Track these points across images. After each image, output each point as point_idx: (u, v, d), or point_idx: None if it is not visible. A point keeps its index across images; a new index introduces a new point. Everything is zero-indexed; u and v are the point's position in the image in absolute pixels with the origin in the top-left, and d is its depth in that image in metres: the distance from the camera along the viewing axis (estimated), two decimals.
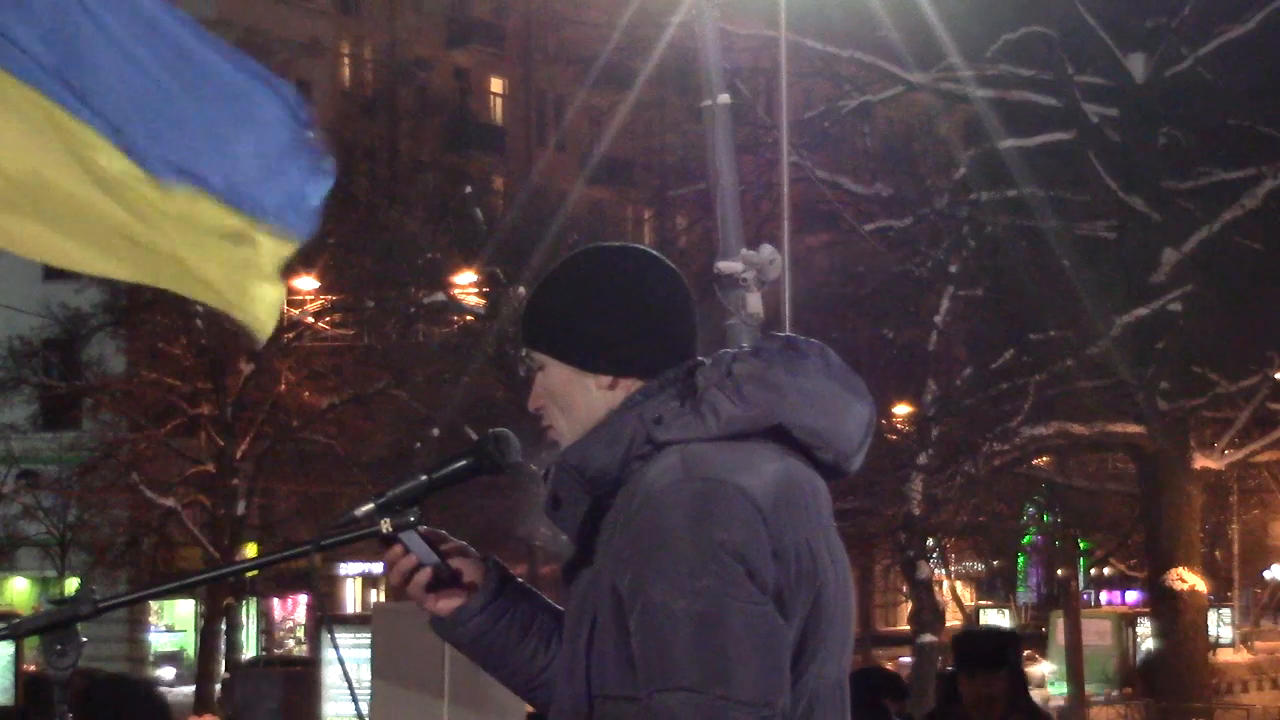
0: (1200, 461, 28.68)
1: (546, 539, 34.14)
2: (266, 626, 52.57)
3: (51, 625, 3.00)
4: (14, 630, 3.10)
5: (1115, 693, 44.13)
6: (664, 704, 2.72)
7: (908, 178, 30.04)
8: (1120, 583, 67.46)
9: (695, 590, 2.73)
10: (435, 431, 35.72)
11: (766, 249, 13.98)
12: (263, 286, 4.05)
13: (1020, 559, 65.13)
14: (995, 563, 65.36)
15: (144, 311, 39.29)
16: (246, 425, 38.88)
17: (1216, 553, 54.78)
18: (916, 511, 28.08)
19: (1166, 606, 28.64)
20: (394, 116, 50.22)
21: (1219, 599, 52.98)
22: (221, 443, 38.90)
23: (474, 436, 3.79)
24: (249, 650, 46.38)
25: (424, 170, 45.92)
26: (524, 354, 3.07)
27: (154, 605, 50.94)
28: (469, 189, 41.86)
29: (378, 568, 47.06)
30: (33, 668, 26.12)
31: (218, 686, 38.83)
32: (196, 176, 3.98)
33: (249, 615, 47.62)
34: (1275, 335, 28.16)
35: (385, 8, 57.78)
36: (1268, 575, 66.75)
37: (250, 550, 39.31)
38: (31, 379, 42.16)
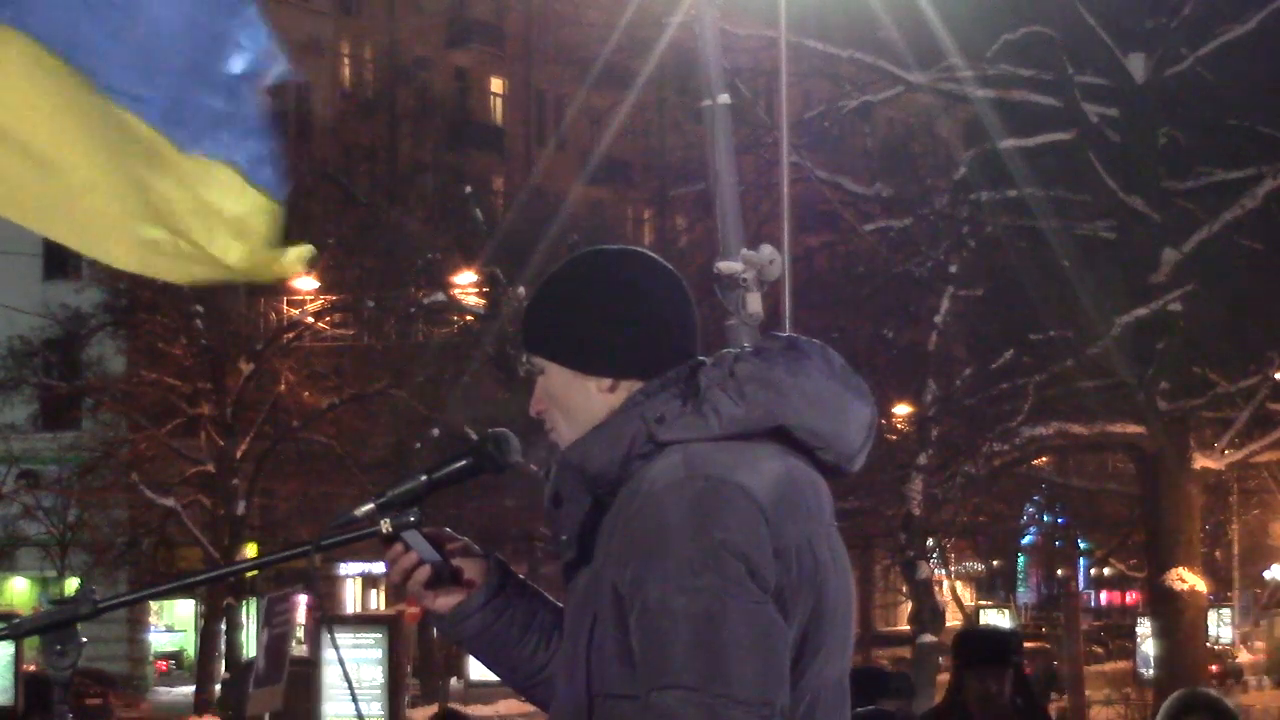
0: (1200, 461, 28.63)
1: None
2: None
3: (51, 625, 2.99)
4: (14, 630, 3.09)
5: None
6: (663, 702, 2.72)
7: (908, 178, 29.99)
8: (1120, 583, 67.53)
9: (696, 589, 2.72)
10: (435, 432, 35.74)
11: (766, 249, 13.92)
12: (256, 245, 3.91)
13: (1020, 559, 65.18)
14: (995, 563, 65.41)
15: (144, 311, 39.30)
16: (246, 425, 38.88)
17: (1216, 553, 54.77)
18: (916, 511, 28.06)
19: (1166, 606, 28.59)
20: (394, 116, 50.17)
21: (1219, 599, 52.96)
22: (221, 443, 38.90)
23: (474, 437, 3.78)
24: (249, 650, 46.35)
25: (424, 170, 45.92)
26: (524, 358, 3.10)
27: (154, 605, 50.89)
28: (469, 189, 41.90)
29: (378, 568, 47.10)
30: (33, 668, 26.08)
31: (217, 687, 38.82)
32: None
33: (249, 615, 47.57)
34: (1275, 335, 28.12)
35: (385, 8, 57.77)
36: (1268, 575, 66.71)
37: (250, 550, 39.32)
38: (31, 379, 42.17)
